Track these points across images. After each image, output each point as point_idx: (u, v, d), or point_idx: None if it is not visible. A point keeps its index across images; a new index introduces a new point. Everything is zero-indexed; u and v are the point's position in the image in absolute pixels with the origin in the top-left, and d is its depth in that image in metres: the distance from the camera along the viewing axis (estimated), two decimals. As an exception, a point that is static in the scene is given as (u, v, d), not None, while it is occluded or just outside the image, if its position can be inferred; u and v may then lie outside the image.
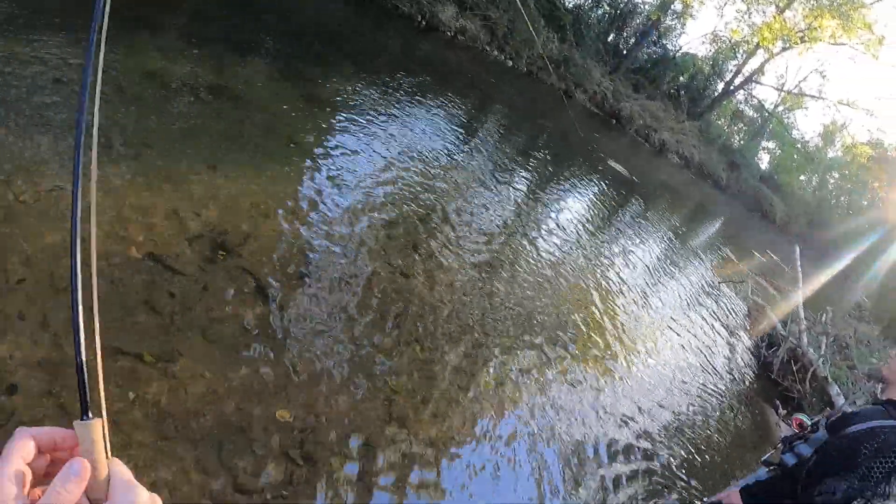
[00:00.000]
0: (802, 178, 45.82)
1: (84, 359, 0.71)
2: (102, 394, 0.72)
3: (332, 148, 7.07)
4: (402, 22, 17.55)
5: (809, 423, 3.53)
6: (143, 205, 4.26)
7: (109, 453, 0.71)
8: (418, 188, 7.36)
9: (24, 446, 0.69)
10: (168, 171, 4.82)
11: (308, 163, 6.46)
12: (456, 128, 11.07)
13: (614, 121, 27.70)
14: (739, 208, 33.65)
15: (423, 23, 18.42)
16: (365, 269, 5.18)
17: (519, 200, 9.51)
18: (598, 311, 7.46)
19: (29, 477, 0.68)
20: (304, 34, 11.38)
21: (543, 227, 9.15)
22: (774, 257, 21.39)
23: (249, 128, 6.40)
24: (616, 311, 7.82)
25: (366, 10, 16.19)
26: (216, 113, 6.29)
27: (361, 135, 7.93)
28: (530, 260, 7.58)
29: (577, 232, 9.98)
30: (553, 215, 10.03)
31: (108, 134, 4.82)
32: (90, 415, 0.70)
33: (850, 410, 3.27)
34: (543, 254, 8.02)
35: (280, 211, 5.21)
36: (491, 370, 4.97)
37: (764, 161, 45.34)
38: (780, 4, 32.07)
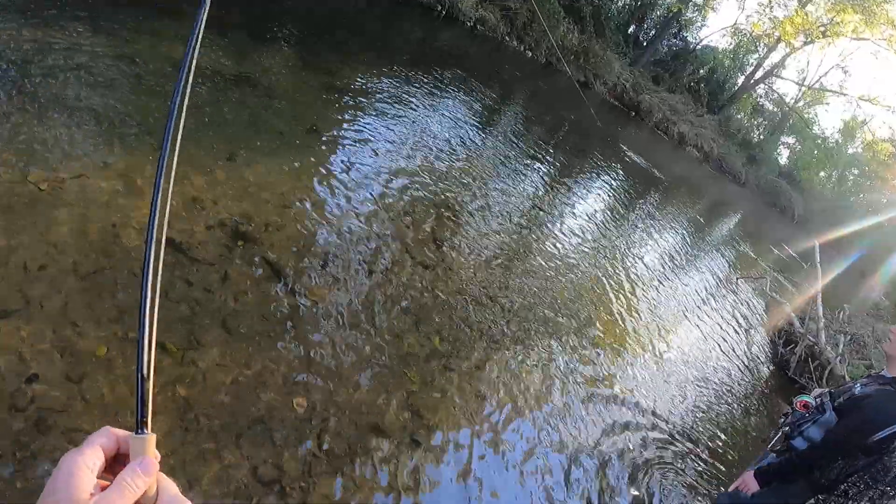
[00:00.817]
0: (822, 174, 45.22)
1: (145, 375, 0.76)
2: (151, 411, 0.75)
3: (352, 137, 7.08)
4: (421, 11, 17.48)
5: (815, 403, 3.52)
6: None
7: None
8: (438, 178, 7.35)
9: (106, 439, 0.74)
10: (189, 158, 4.81)
11: (328, 152, 6.45)
12: (475, 118, 11.02)
13: (633, 113, 27.51)
14: (758, 203, 33.35)
15: (443, 12, 18.33)
16: (385, 259, 5.18)
17: (538, 192, 9.47)
18: (615, 304, 7.40)
19: (102, 467, 0.72)
20: (324, 22, 11.36)
21: (563, 218, 9.11)
22: (792, 253, 21.23)
23: (270, 116, 6.40)
24: (633, 306, 7.75)
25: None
26: (237, 101, 6.29)
27: (382, 123, 7.93)
28: (550, 251, 7.54)
29: (596, 223, 9.93)
30: (573, 206, 9.98)
31: (129, 123, 4.83)
32: (145, 430, 0.74)
33: (857, 392, 3.28)
34: (563, 245, 7.98)
35: (300, 199, 5.21)
36: (510, 362, 4.94)
37: (783, 156, 44.89)
38: (803, -2, 31.78)
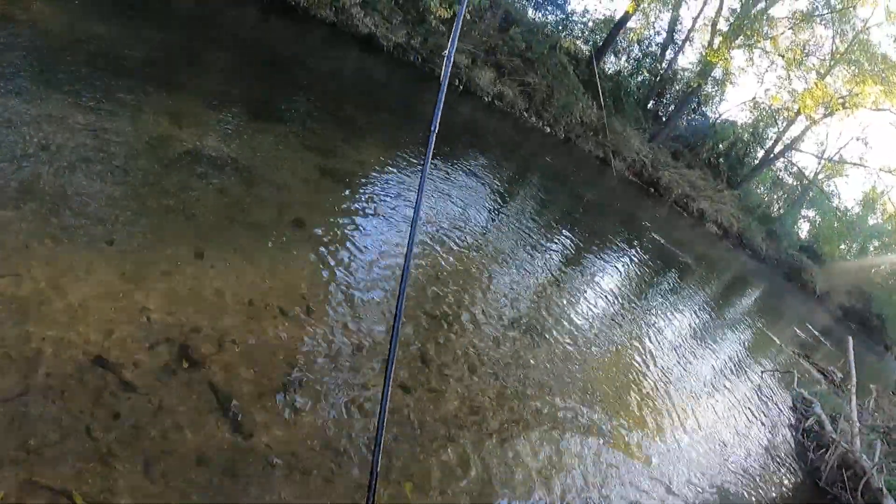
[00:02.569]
0: (842, 246, 44.50)
1: None
2: None
3: (344, 230, 6.35)
4: (438, 85, 17.40)
5: None
6: (106, 298, 3.71)
7: None
8: (440, 277, 6.69)
9: None
10: (146, 257, 4.26)
11: (313, 250, 5.65)
12: (491, 198, 10.69)
13: (653, 189, 27.26)
14: (778, 278, 33.02)
15: (461, 87, 18.30)
16: (364, 387, 4.37)
17: (554, 280, 8.96)
18: (632, 398, 6.82)
19: None
20: (338, 95, 11.14)
21: (579, 305, 8.64)
22: (814, 331, 20.69)
23: (251, 206, 5.73)
24: (651, 400, 7.14)
25: (403, 73, 16.12)
26: (217, 188, 5.68)
27: (383, 212, 7.28)
28: (564, 354, 6.89)
29: (613, 306, 9.53)
30: (590, 289, 9.58)
31: (83, 210, 4.34)
32: None
33: None
34: (579, 343, 7.38)
35: (270, 310, 4.50)
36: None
37: (803, 230, 44.36)
38: (822, 71, 31.74)
